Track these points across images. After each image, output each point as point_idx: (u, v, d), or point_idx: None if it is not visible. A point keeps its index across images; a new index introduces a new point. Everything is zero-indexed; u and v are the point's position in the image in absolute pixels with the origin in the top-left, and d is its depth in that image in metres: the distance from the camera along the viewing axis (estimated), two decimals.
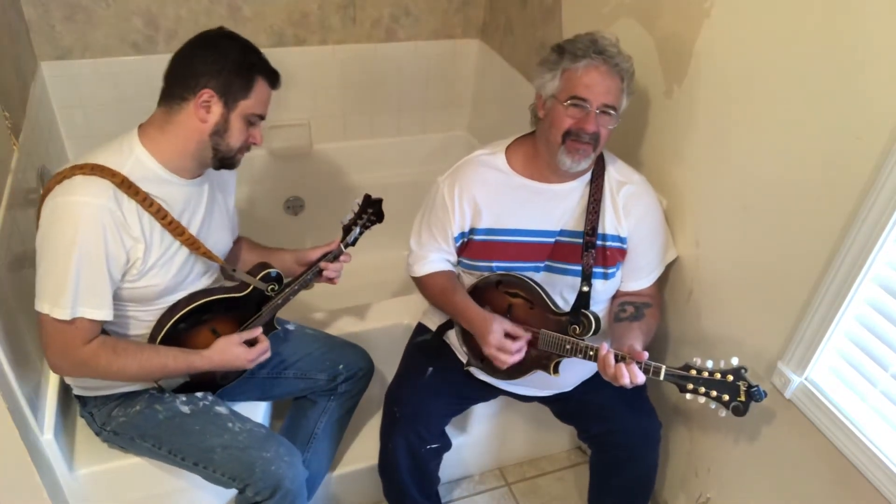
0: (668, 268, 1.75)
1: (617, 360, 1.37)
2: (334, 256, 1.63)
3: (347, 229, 1.65)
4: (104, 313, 1.31)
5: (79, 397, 1.52)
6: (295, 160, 2.60)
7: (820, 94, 1.26)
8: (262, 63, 1.37)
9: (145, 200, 1.31)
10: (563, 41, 1.50)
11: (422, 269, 1.65)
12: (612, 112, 1.45)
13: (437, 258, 1.65)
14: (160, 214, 1.34)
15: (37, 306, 1.28)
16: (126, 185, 1.28)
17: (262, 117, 1.40)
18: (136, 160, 1.33)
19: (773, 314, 1.45)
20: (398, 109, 2.69)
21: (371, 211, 1.66)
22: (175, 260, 1.40)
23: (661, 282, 1.79)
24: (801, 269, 1.36)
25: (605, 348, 1.39)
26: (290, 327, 1.77)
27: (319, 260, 1.62)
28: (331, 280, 1.65)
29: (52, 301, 1.26)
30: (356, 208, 1.66)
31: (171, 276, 1.40)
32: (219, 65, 1.30)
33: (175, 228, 1.37)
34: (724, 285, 1.59)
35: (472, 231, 1.61)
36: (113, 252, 1.28)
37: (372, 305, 2.03)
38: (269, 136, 2.51)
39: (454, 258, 1.66)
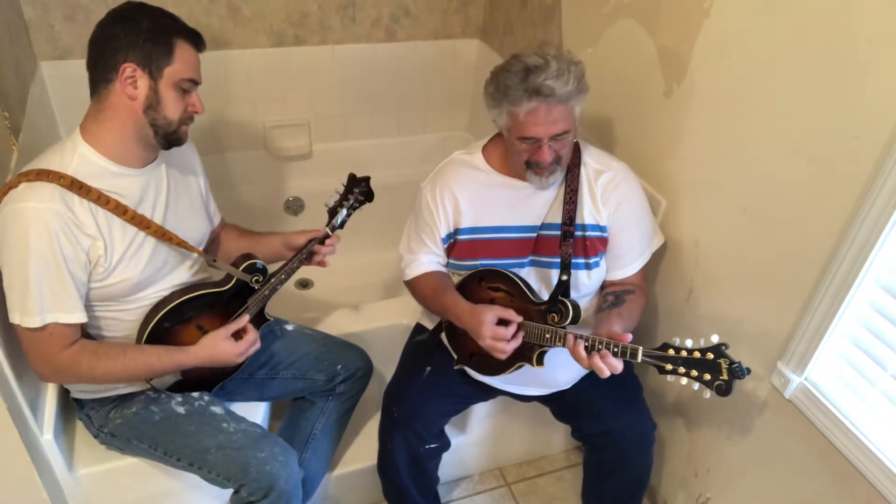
0: (667, 268, 1.75)
1: (590, 350, 1.36)
2: (320, 242, 1.59)
3: (333, 212, 1.61)
4: (76, 316, 1.29)
5: (76, 400, 1.52)
6: (295, 160, 2.60)
7: (819, 93, 1.26)
8: (178, 25, 1.32)
9: (100, 198, 1.28)
10: (498, 71, 1.46)
11: (414, 271, 1.66)
12: (565, 136, 1.46)
13: (428, 260, 1.66)
14: (119, 210, 1.31)
15: (10, 318, 1.26)
16: (76, 186, 1.25)
17: (195, 82, 1.35)
18: (81, 158, 1.29)
19: (772, 314, 1.45)
20: (398, 109, 2.69)
21: (358, 191, 1.60)
22: (143, 252, 1.37)
23: (660, 281, 1.79)
24: (800, 268, 1.36)
25: (573, 338, 1.38)
26: (289, 327, 1.77)
27: (306, 246, 1.58)
28: (320, 263, 1.63)
29: (21, 310, 1.25)
30: (341, 189, 1.61)
31: (142, 268, 1.37)
32: (133, 35, 1.26)
33: (139, 221, 1.34)
34: (724, 285, 1.59)
35: (457, 231, 1.62)
36: (69, 254, 1.25)
37: (371, 305, 2.03)
38: (270, 136, 2.51)
39: (444, 260, 1.66)
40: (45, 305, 1.25)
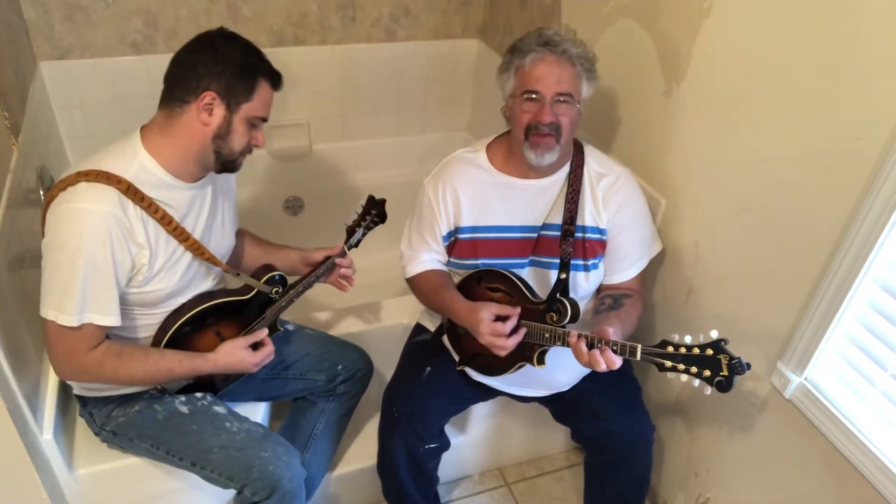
0: (667, 267, 1.76)
1: (591, 347, 1.36)
2: (336, 260, 1.63)
3: (351, 231, 1.66)
4: (112, 319, 1.31)
5: (79, 397, 1.51)
6: (295, 160, 2.60)
7: (819, 93, 1.26)
8: (264, 65, 1.36)
9: (150, 206, 1.31)
10: (515, 41, 1.51)
11: (415, 269, 1.66)
12: (568, 100, 1.46)
13: (429, 259, 1.66)
14: (165, 220, 1.34)
15: (42, 312, 1.26)
16: (132, 192, 1.28)
17: (264, 119, 1.39)
18: (140, 165, 1.32)
19: (772, 314, 1.45)
20: (398, 109, 2.69)
21: (375, 212, 1.67)
22: (180, 264, 1.40)
23: (660, 281, 1.79)
24: (800, 268, 1.36)
25: (575, 336, 1.38)
26: (290, 327, 1.77)
27: (323, 262, 1.62)
28: (342, 286, 1.67)
29: (58, 307, 1.25)
30: (360, 209, 1.67)
31: (177, 280, 1.40)
32: (221, 67, 1.29)
33: (180, 234, 1.37)
34: (723, 285, 1.59)
35: (458, 230, 1.62)
36: (119, 259, 1.27)
37: (371, 305, 2.03)
38: (270, 136, 2.51)
39: (445, 258, 1.67)
40: (85, 306, 1.26)
